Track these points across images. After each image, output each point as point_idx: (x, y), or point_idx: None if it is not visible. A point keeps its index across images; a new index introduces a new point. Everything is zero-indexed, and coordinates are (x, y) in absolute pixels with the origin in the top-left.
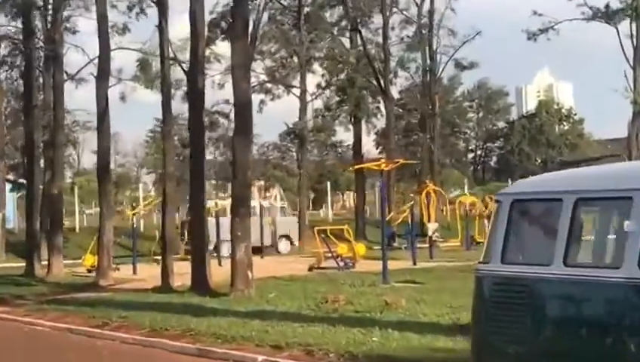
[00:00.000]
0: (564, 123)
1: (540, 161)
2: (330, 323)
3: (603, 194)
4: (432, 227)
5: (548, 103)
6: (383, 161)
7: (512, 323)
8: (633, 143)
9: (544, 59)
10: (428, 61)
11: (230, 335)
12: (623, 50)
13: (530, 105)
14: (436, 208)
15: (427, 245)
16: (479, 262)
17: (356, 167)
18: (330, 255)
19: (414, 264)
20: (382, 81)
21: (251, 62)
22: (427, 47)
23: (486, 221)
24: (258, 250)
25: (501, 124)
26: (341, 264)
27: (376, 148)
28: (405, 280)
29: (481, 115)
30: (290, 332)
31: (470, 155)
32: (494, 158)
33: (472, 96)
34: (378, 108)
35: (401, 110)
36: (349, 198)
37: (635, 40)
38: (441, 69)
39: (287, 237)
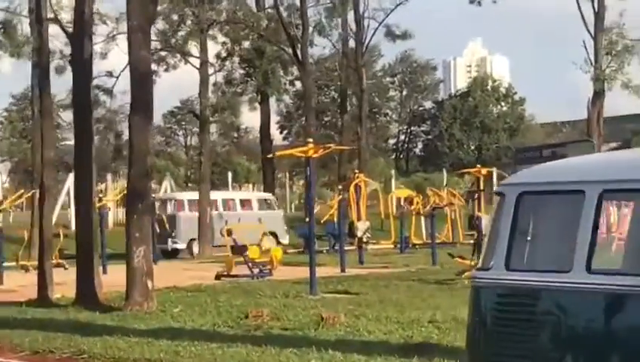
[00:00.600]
0: (502, 103)
1: (473, 147)
2: (255, 342)
3: (638, 185)
4: (361, 226)
5: (483, 80)
6: (310, 146)
7: (519, 343)
8: (594, 127)
9: (476, 28)
10: (353, 27)
11: (132, 357)
12: (582, 15)
13: (460, 82)
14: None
15: (355, 247)
16: (476, 269)
17: (278, 153)
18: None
19: (343, 271)
20: (299, 51)
21: (152, 24)
22: (353, 11)
23: (423, 219)
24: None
25: (428, 105)
26: (255, 271)
27: (281, 133)
28: (336, 290)
29: (404, 93)
30: (208, 354)
31: (392, 141)
32: (420, 145)
33: (393, 70)
34: (291, 83)
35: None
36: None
37: (596, 3)
38: (369, 38)
39: (274, 234)
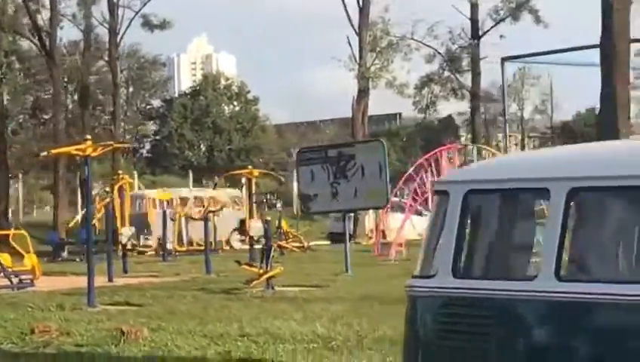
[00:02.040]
0: (235, 103)
1: (204, 149)
2: (50, 361)
3: (613, 182)
4: (126, 233)
5: (215, 78)
6: (89, 143)
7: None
8: (359, 126)
9: (201, 23)
10: (107, 17)
11: None
12: (346, 10)
13: (185, 80)
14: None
15: (120, 255)
16: (414, 276)
17: (54, 151)
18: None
19: (110, 280)
20: (47, 41)
21: None
22: None
23: (184, 225)
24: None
25: (157, 103)
26: (15, 281)
27: None
28: (115, 301)
29: (131, 90)
30: None
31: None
32: (148, 145)
33: (120, 66)
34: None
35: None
36: None
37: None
38: (124, 28)
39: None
